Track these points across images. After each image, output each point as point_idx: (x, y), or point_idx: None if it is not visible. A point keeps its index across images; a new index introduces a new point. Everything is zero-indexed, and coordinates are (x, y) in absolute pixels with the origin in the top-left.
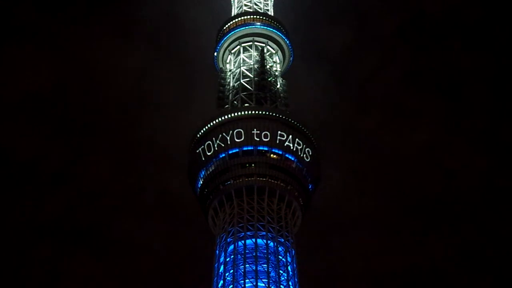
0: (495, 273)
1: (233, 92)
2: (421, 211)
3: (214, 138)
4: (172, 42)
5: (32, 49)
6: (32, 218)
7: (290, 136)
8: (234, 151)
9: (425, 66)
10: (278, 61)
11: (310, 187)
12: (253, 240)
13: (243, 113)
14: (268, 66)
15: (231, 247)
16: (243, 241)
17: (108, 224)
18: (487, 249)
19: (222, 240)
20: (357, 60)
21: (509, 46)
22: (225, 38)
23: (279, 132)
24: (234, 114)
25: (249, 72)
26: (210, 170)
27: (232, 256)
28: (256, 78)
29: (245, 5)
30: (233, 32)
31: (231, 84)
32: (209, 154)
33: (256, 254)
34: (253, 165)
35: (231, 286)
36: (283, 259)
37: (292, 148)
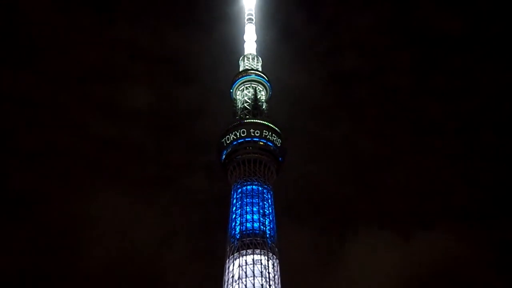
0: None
1: (241, 110)
2: (351, 171)
3: (230, 134)
4: (214, 86)
5: (138, 83)
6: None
7: (270, 133)
8: (241, 140)
9: (348, 93)
10: (264, 94)
11: (280, 159)
12: (251, 186)
13: (246, 121)
14: (258, 97)
15: (239, 190)
16: (245, 187)
17: (176, 177)
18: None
19: (235, 186)
20: (309, 93)
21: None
22: (236, 83)
23: (264, 130)
24: (241, 122)
25: (249, 100)
26: (229, 150)
27: (240, 195)
28: (252, 103)
29: (246, 65)
30: (240, 80)
31: (239, 106)
32: (228, 142)
33: (252, 193)
34: (250, 147)
35: (239, 210)
36: (266, 196)
37: (271, 139)
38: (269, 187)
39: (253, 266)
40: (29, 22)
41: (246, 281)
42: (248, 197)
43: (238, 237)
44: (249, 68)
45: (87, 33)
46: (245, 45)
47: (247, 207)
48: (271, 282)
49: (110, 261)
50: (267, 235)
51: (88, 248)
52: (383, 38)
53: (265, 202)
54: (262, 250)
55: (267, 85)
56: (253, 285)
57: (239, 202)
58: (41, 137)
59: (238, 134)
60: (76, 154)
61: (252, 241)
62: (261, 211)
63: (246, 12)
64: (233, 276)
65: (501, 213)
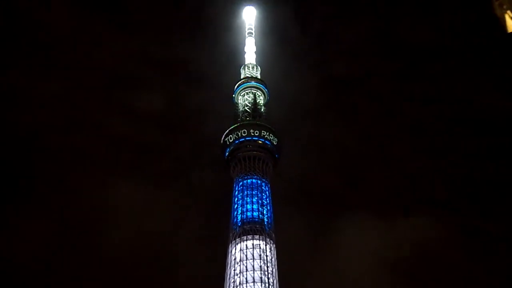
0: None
1: (241, 113)
2: (340, 167)
3: (233, 134)
4: (218, 90)
5: (150, 88)
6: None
7: (267, 132)
8: (242, 139)
9: (338, 97)
10: (262, 99)
11: (276, 156)
12: (251, 180)
13: (246, 123)
14: (257, 101)
15: (241, 183)
16: (246, 180)
17: (185, 171)
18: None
19: (237, 180)
20: (304, 97)
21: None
22: (237, 89)
23: (262, 131)
24: (242, 123)
25: (249, 104)
26: (231, 148)
27: (241, 187)
28: (252, 107)
29: (246, 73)
30: (241, 86)
31: (240, 109)
32: (231, 141)
33: (252, 186)
34: (250, 146)
35: (240, 200)
36: (264, 188)
37: (268, 138)
38: (267, 180)
39: (253, 250)
40: (47, 30)
41: (246, 263)
42: (249, 189)
43: (239, 224)
44: (249, 76)
45: (103, 41)
46: (246, 56)
47: (248, 198)
48: (268, 264)
49: (127, 246)
50: (265, 223)
51: (107, 234)
52: (368, 48)
53: (263, 194)
54: (260, 236)
55: (265, 90)
56: (253, 266)
57: (241, 194)
58: (62, 137)
59: (239, 134)
60: (96, 151)
61: (252, 228)
62: (259, 201)
63: (247, 26)
64: (235, 259)
65: (471, 203)
